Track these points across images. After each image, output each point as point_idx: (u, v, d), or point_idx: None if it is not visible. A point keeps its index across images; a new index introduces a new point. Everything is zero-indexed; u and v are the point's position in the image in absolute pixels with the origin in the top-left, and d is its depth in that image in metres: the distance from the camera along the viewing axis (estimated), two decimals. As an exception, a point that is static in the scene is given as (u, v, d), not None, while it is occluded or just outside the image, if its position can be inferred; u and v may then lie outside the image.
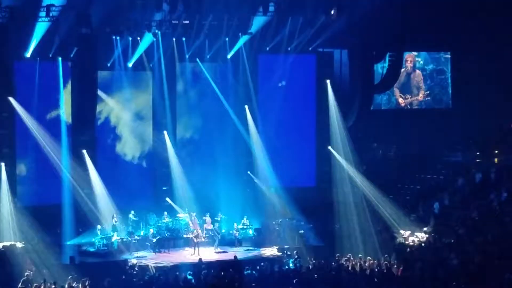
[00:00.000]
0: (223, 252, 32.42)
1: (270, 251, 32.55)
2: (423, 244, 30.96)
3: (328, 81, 35.56)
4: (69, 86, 33.06)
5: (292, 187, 35.02)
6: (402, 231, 32.34)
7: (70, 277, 26.74)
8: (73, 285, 26.29)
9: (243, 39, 34.16)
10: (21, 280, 27.48)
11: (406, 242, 31.50)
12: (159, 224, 33.43)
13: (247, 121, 35.58)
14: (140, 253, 32.15)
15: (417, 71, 38.74)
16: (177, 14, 32.31)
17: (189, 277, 27.57)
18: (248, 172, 35.33)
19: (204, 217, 33.53)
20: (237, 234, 33.50)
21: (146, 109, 34.99)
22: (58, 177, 32.77)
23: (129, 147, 34.99)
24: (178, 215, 33.84)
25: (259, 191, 35.50)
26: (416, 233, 32.09)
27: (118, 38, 33.05)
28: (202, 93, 35.18)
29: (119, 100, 34.35)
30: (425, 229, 32.21)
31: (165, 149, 34.96)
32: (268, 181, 35.43)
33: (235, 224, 33.78)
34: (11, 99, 31.60)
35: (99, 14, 30.82)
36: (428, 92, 38.83)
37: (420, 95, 38.72)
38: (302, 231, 33.74)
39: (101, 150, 34.29)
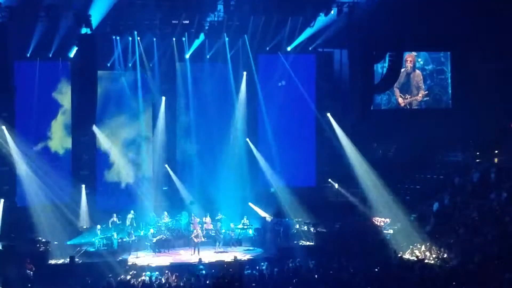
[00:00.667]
0: (223, 252, 32.42)
1: (270, 252, 32.50)
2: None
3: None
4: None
5: (292, 187, 35.04)
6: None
7: None
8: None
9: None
10: (21, 280, 27.55)
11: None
12: (159, 224, 33.43)
13: (247, 121, 35.58)
14: (140, 253, 32.15)
15: (417, 71, 38.70)
16: (177, 14, 32.31)
17: (188, 277, 27.64)
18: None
19: (204, 217, 33.55)
20: (232, 234, 33.46)
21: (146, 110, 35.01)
22: (58, 177, 32.85)
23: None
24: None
25: (259, 191, 35.51)
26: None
27: (118, 38, 33.07)
28: (202, 93, 35.16)
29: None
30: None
31: (165, 149, 34.98)
32: (268, 181, 35.45)
33: (232, 225, 33.76)
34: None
35: (99, 14, 30.80)
36: (426, 92, 38.79)
37: (420, 95, 38.70)
38: (302, 231, 33.75)
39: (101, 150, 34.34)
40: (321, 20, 33.83)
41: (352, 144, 35.04)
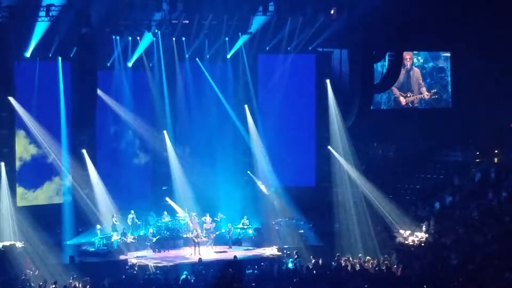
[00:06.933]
0: (223, 252, 32.42)
1: (270, 251, 32.54)
2: (423, 244, 30.92)
3: (328, 81, 35.56)
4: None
5: (292, 187, 35.04)
6: (402, 231, 32.28)
7: (72, 277, 26.78)
8: (74, 285, 26.31)
9: (242, 39, 34.20)
10: (21, 280, 27.54)
11: (406, 242, 31.45)
12: (159, 224, 33.44)
13: (247, 121, 35.62)
14: (140, 253, 32.16)
15: (415, 68, 38.69)
16: (177, 14, 32.32)
17: (188, 277, 27.61)
18: (248, 172, 35.28)
19: (204, 217, 33.54)
20: (228, 235, 33.37)
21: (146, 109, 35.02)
22: (59, 177, 32.87)
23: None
24: (177, 215, 33.87)
25: (259, 191, 35.51)
26: (416, 233, 32.01)
27: (118, 38, 33.09)
28: (202, 93, 35.18)
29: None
30: (424, 228, 32.13)
31: (165, 149, 35.00)
32: (268, 181, 35.45)
33: (229, 224, 33.74)
34: (11, 98, 31.57)
35: (99, 14, 30.80)
36: (435, 90, 38.73)
37: (426, 93, 38.67)
38: (302, 231, 33.76)
39: (101, 150, 34.30)
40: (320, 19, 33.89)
41: (348, 144, 34.95)
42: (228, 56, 34.95)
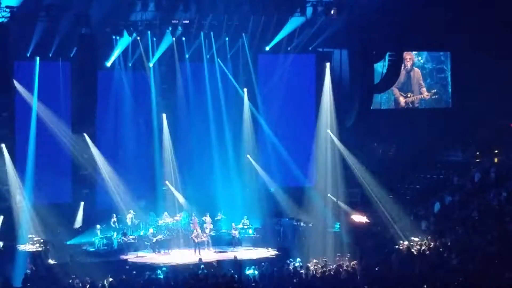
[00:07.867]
0: (223, 252, 32.42)
1: (270, 251, 32.52)
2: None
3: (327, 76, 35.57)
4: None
5: (292, 187, 35.04)
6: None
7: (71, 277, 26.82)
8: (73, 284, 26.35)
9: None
10: (21, 279, 27.57)
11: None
12: (159, 224, 33.44)
13: (247, 121, 35.61)
14: (140, 253, 32.17)
15: (416, 68, 38.70)
16: (177, 14, 32.33)
17: (189, 276, 27.62)
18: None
19: (204, 217, 33.54)
20: (236, 234, 33.41)
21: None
22: (58, 177, 32.87)
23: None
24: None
25: (259, 191, 35.51)
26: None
27: (118, 38, 33.09)
28: (202, 93, 35.18)
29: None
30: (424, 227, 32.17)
31: (164, 149, 35.01)
32: (267, 181, 35.47)
33: (233, 224, 33.75)
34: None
35: (99, 14, 30.82)
36: (435, 90, 38.73)
37: (426, 93, 38.66)
38: (302, 230, 33.79)
39: (100, 150, 34.32)
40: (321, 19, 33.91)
41: (344, 146, 34.98)
42: (228, 56, 34.86)
